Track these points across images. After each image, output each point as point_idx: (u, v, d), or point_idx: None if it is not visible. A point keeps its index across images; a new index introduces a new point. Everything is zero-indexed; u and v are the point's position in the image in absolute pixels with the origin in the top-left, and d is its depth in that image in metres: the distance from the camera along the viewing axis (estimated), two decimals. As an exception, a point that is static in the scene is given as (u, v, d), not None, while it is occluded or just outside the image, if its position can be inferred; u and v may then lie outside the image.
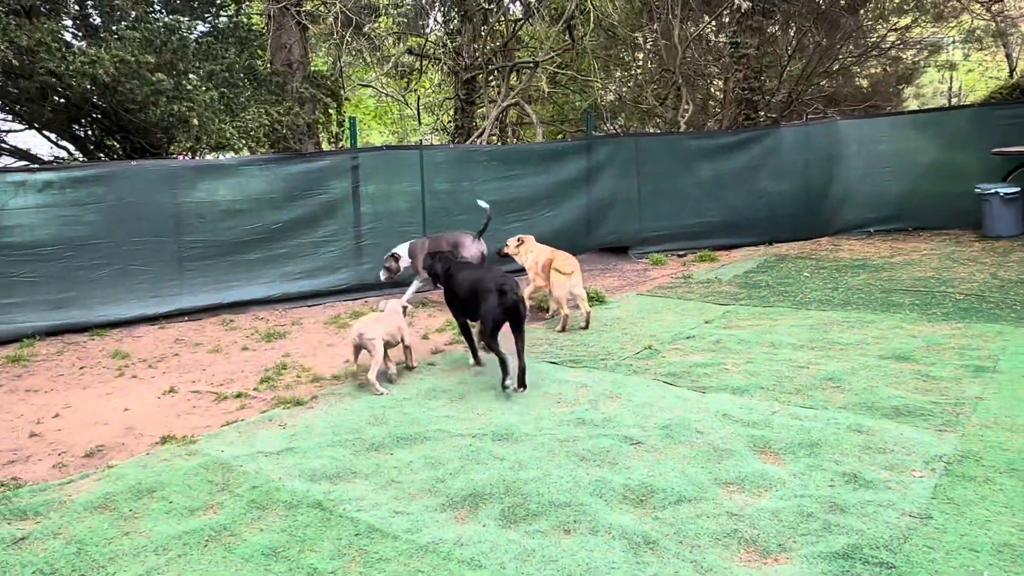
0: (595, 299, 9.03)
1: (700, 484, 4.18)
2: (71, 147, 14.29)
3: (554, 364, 6.71)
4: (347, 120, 11.31)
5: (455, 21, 16.59)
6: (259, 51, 11.77)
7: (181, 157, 11.50)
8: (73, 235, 8.37)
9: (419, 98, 16.97)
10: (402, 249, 9.16)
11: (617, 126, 16.85)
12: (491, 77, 14.85)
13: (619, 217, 11.74)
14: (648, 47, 16.27)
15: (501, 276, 6.20)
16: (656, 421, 5.16)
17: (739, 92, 14.55)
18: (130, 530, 3.97)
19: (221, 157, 10.07)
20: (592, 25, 13.97)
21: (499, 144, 13.46)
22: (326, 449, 4.96)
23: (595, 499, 4.06)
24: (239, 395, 6.18)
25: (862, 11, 15.81)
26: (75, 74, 8.59)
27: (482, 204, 9.27)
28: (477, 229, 9.23)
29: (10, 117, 14.09)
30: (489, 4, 13.18)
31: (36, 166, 10.56)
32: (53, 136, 14.45)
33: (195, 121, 9.38)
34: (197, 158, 10.15)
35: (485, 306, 6.00)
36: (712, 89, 17.69)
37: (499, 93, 15.09)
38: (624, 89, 16.85)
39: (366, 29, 15.40)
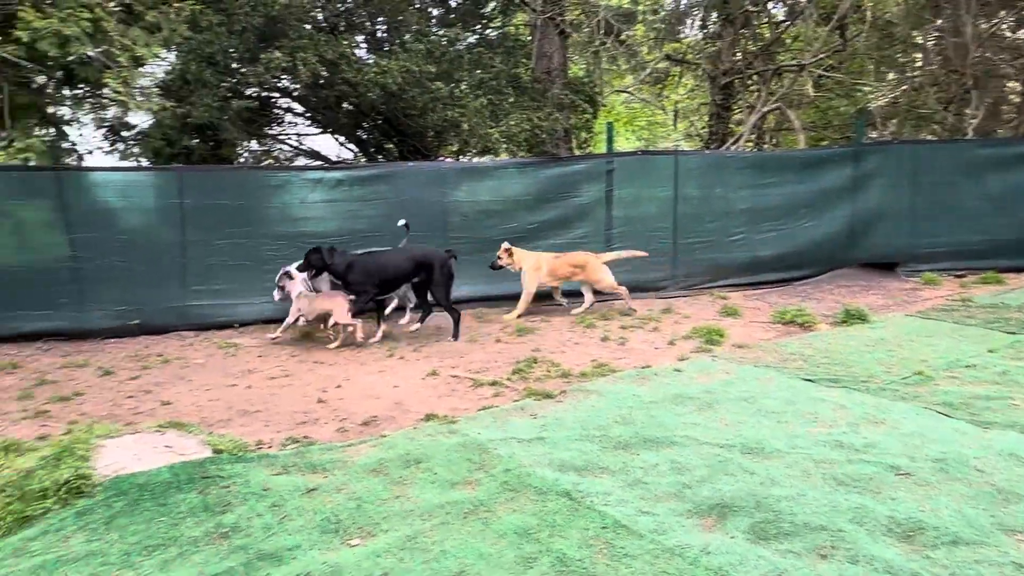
0: (857, 317, 8.45)
1: (980, 527, 3.78)
2: (355, 149, 16.01)
3: (810, 382, 6.37)
4: (604, 126, 11.54)
5: (715, 25, 16.27)
6: (524, 60, 12.38)
7: (446, 159, 12.46)
8: (357, 227, 9.36)
9: (676, 104, 16.80)
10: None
11: (888, 132, 15.57)
12: (750, 81, 14.38)
13: (887, 231, 10.85)
14: (930, 46, 14.86)
15: None
16: (927, 453, 4.73)
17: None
18: (400, 494, 4.38)
19: (485, 160, 10.71)
20: (867, 24, 13.03)
21: (757, 150, 12.96)
22: (574, 442, 5.12)
23: (855, 527, 3.82)
24: (494, 383, 6.56)
25: None
26: (368, 83, 9.64)
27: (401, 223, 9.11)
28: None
29: (309, 122, 16.09)
30: (755, 6, 12.76)
31: (329, 165, 11.90)
32: (341, 139, 16.29)
33: (465, 126, 10.11)
34: (463, 160, 10.87)
35: None
36: (1006, 92, 15.75)
37: (759, 98, 14.57)
38: (898, 92, 15.51)
39: (623, 36, 15.62)
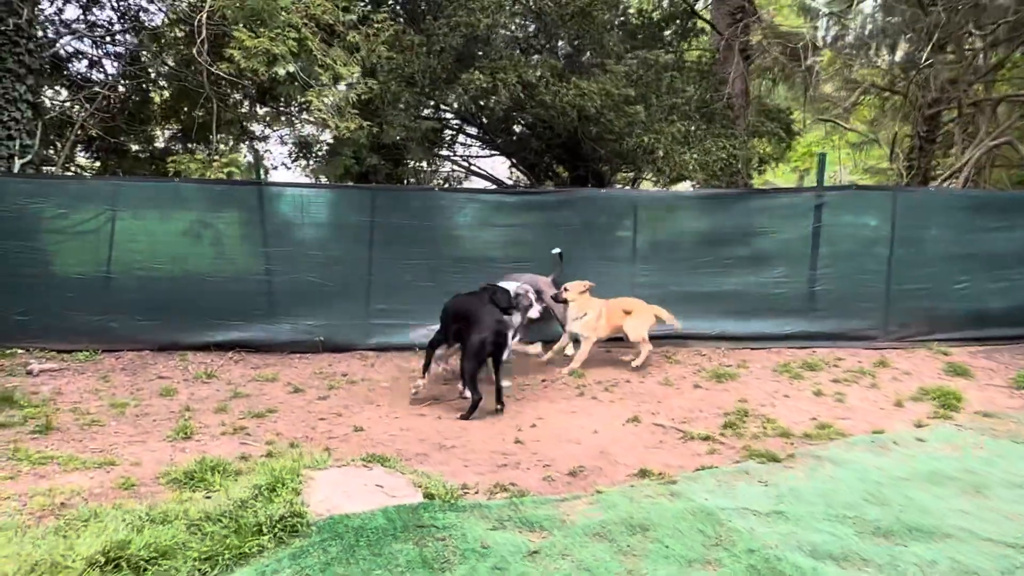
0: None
1: None
2: (523, 172, 15.84)
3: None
4: (816, 156, 10.67)
5: (917, 50, 14.91)
6: (719, 85, 11.70)
7: (615, 186, 11.98)
8: (540, 254, 8.99)
9: (892, 135, 15.41)
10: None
11: None
12: (964, 111, 12.99)
13: None
14: None
15: None
16: None
17: None
18: (632, 568, 3.84)
19: (684, 188, 10.11)
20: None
21: (973, 188, 11.63)
22: (822, 522, 4.41)
23: None
24: (706, 438, 5.93)
25: None
26: (566, 105, 9.31)
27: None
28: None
29: (479, 143, 16.07)
30: (978, 29, 11.49)
31: (514, 189, 11.67)
32: (508, 161, 16.18)
33: (660, 152, 9.57)
34: (652, 188, 10.30)
35: None
36: None
37: (968, 131, 13.15)
38: None
39: (809, 62, 14.61)
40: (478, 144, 16.38)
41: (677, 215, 9.20)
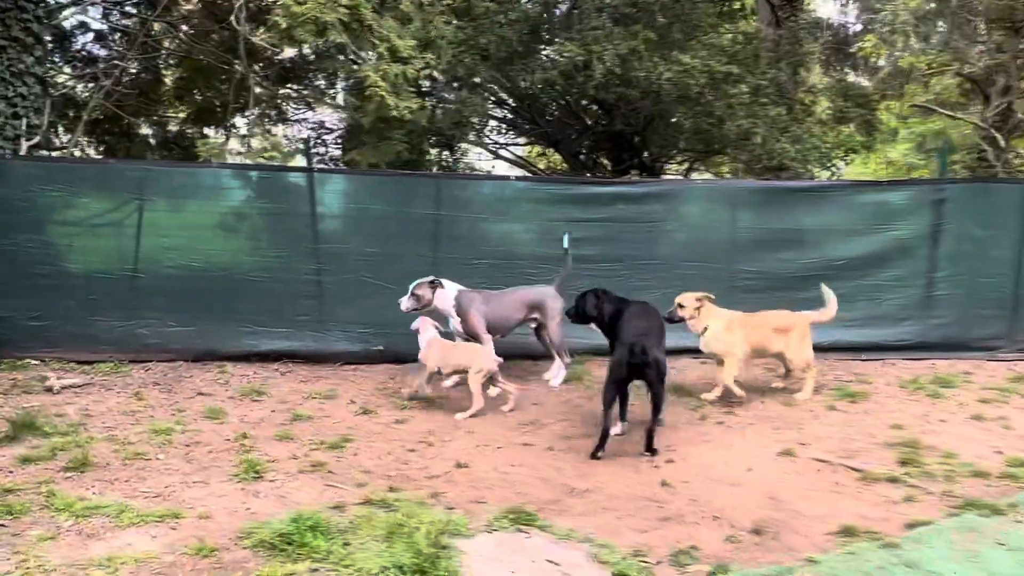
0: None
1: None
2: (565, 163, 14.75)
3: None
4: (938, 146, 9.69)
5: (987, 34, 13.95)
6: (796, 68, 10.63)
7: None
8: (623, 252, 7.98)
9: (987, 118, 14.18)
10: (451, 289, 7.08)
11: None
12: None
13: None
14: None
15: None
16: None
17: None
18: None
19: (786, 180, 9.05)
20: None
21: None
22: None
23: None
24: (892, 479, 4.90)
25: None
26: (667, 82, 8.22)
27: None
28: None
29: (512, 130, 14.91)
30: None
31: (598, 179, 10.51)
32: (544, 150, 15.05)
33: (758, 139, 8.53)
34: (749, 179, 9.22)
35: None
36: None
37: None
38: None
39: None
40: (507, 128, 15.19)
41: (776, 209, 8.15)
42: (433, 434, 5.86)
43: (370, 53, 8.48)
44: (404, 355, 7.70)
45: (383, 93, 7.69)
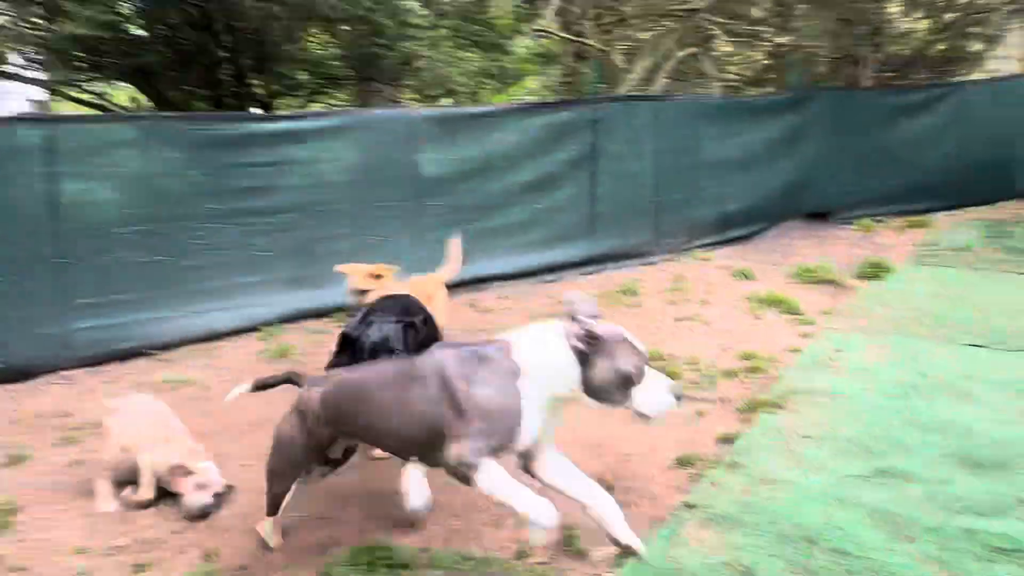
0: (882, 268, 8.08)
1: None
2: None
3: (978, 347, 5.69)
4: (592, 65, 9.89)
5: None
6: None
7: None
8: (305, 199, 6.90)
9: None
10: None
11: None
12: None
13: (823, 180, 10.68)
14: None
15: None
16: None
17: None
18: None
19: (473, 107, 8.43)
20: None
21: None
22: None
23: None
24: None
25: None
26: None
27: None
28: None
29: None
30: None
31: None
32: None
33: (423, 62, 7.85)
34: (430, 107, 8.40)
35: None
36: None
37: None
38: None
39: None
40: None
41: (460, 138, 7.70)
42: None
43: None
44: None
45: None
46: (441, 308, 5.15)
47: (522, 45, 11.92)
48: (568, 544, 3.33)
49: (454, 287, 6.01)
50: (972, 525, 3.28)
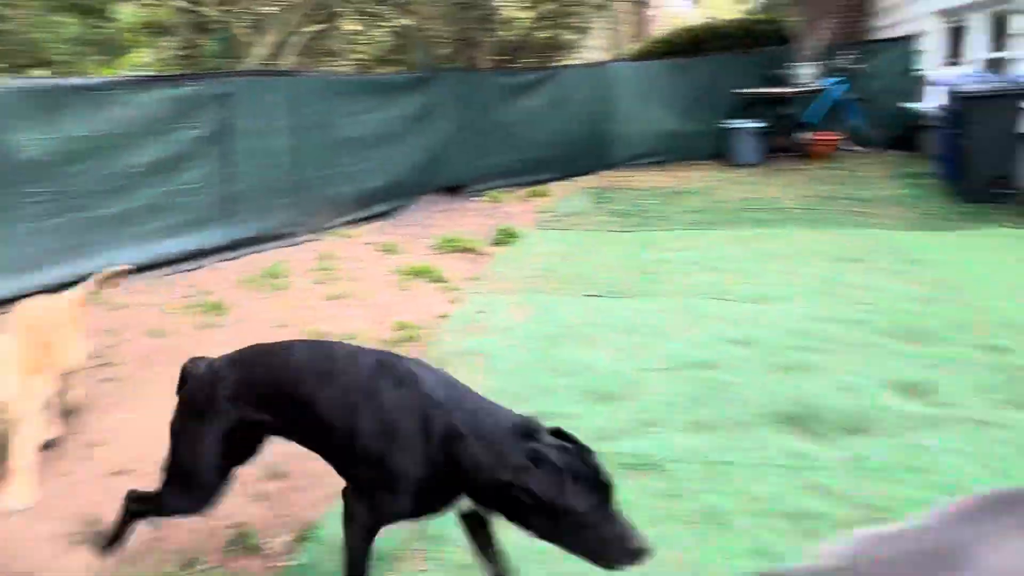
0: (512, 236, 8.85)
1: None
2: None
3: (598, 297, 6.54)
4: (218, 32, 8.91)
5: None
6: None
7: None
8: None
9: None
10: None
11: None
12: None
13: (455, 155, 11.32)
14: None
15: None
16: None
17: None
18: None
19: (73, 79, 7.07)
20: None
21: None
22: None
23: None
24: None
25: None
26: None
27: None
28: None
29: None
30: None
31: None
32: None
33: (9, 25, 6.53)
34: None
35: None
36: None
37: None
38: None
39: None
40: None
41: (66, 115, 6.67)
42: None
43: None
44: None
45: None
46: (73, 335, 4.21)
47: (127, 11, 10.75)
48: (235, 543, 3.14)
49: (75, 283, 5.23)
50: (607, 448, 3.75)
